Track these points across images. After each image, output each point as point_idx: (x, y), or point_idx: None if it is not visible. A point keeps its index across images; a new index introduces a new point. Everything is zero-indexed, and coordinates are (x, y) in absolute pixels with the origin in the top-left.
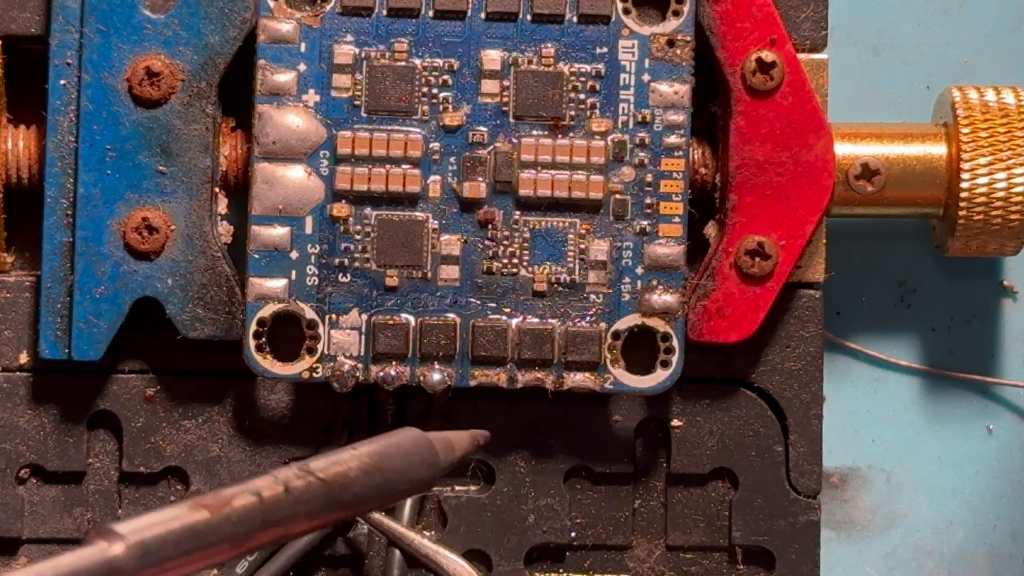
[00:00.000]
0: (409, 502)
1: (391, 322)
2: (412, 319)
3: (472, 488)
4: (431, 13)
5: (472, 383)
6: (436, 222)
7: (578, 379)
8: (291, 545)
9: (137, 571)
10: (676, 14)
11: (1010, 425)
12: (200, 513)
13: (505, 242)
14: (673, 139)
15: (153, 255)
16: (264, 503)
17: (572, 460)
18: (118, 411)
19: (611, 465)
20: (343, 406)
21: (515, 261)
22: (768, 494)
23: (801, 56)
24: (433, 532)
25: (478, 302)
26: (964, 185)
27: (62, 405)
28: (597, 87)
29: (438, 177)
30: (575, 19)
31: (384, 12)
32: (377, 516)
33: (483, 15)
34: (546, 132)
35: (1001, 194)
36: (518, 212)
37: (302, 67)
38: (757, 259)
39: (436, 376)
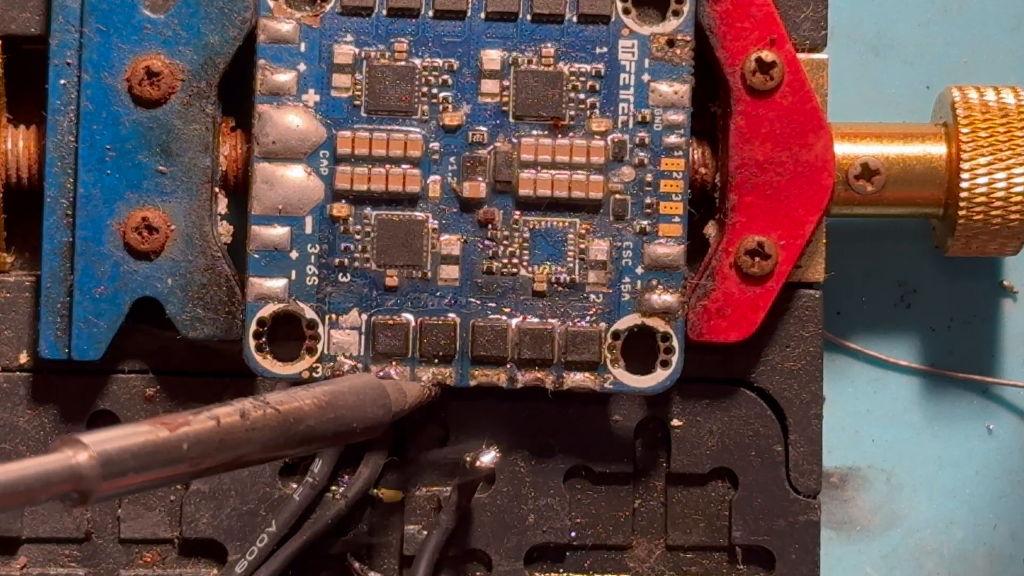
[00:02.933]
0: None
1: (391, 322)
2: (412, 319)
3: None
4: (431, 13)
5: (472, 383)
6: (436, 222)
7: (578, 379)
8: (291, 543)
9: (100, 479)
10: (676, 14)
11: (1010, 425)
12: (160, 431)
13: (505, 242)
14: (673, 139)
15: (153, 255)
16: (221, 427)
17: (572, 460)
18: (118, 411)
19: (611, 465)
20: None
21: (515, 261)
22: (768, 494)
23: (801, 56)
24: (433, 532)
25: (478, 302)
26: (964, 185)
27: (62, 405)
28: (597, 87)
29: (438, 177)
30: (575, 19)
31: (384, 12)
32: None
33: (483, 15)
34: (546, 132)
35: (1001, 194)
36: (518, 212)
37: (302, 67)
38: (757, 259)
39: (488, 457)
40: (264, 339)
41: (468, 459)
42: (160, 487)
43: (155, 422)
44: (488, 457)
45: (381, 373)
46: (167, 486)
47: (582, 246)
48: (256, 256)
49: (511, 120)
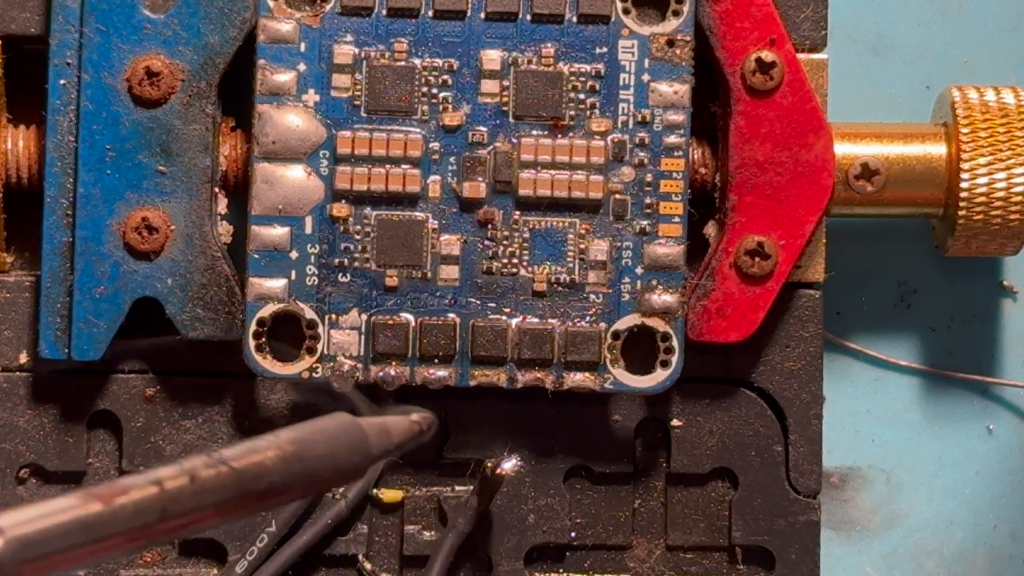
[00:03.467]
0: (439, 562)
1: (391, 322)
2: (412, 319)
3: (472, 488)
4: (431, 13)
5: (472, 383)
6: (436, 222)
7: (578, 379)
8: (291, 543)
9: (19, 566)
10: (676, 14)
11: (1010, 425)
12: (92, 505)
13: (505, 242)
14: (673, 139)
15: (153, 255)
16: (165, 494)
17: (572, 460)
18: (118, 411)
19: (611, 465)
20: (343, 406)
21: (515, 261)
22: (768, 494)
23: (801, 56)
24: (433, 532)
25: (478, 302)
26: (964, 185)
27: (62, 405)
28: (597, 87)
29: (438, 177)
30: (575, 19)
31: (384, 12)
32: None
33: (483, 15)
34: (546, 132)
35: (1001, 194)
36: (518, 212)
37: (302, 67)
38: (757, 259)
39: (509, 464)
40: (264, 339)
41: (489, 465)
42: (98, 562)
43: (87, 494)
44: (509, 464)
45: (381, 374)
46: (107, 558)
47: (582, 246)
48: (256, 256)
49: (511, 120)
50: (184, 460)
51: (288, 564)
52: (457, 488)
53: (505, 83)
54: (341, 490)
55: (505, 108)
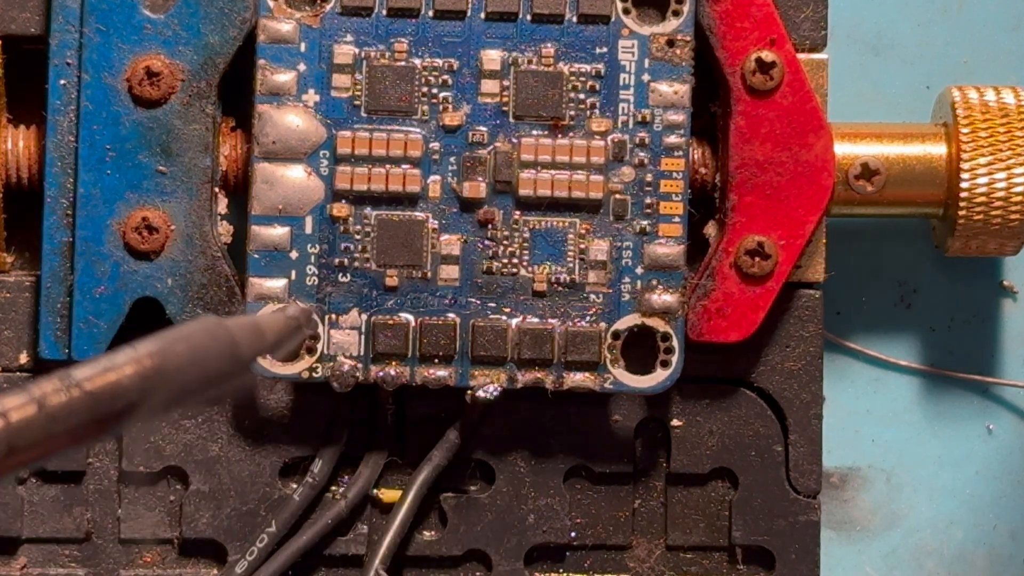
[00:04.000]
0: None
1: (391, 322)
2: (412, 319)
3: (472, 488)
4: (431, 13)
5: (472, 383)
6: (436, 222)
7: (578, 379)
8: (291, 544)
9: None
10: (676, 14)
11: (1010, 425)
12: None
13: (505, 242)
14: (673, 139)
15: (153, 255)
16: (10, 427)
17: (572, 460)
18: None
19: (611, 465)
20: (343, 406)
21: (515, 261)
22: (768, 494)
23: (801, 56)
24: (433, 532)
25: (478, 302)
26: (964, 185)
27: None
28: (597, 87)
29: (438, 177)
30: (575, 19)
31: (384, 12)
32: None
33: (483, 15)
34: (546, 132)
35: (1001, 194)
36: (518, 212)
37: (302, 67)
38: (757, 259)
39: (487, 390)
40: None
41: (468, 393)
42: None
43: None
44: (490, 389)
45: (381, 373)
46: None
47: (582, 246)
48: (256, 256)
49: (511, 120)
50: (33, 386)
51: (288, 564)
52: (457, 488)
53: (505, 83)
54: (341, 490)
55: (505, 108)
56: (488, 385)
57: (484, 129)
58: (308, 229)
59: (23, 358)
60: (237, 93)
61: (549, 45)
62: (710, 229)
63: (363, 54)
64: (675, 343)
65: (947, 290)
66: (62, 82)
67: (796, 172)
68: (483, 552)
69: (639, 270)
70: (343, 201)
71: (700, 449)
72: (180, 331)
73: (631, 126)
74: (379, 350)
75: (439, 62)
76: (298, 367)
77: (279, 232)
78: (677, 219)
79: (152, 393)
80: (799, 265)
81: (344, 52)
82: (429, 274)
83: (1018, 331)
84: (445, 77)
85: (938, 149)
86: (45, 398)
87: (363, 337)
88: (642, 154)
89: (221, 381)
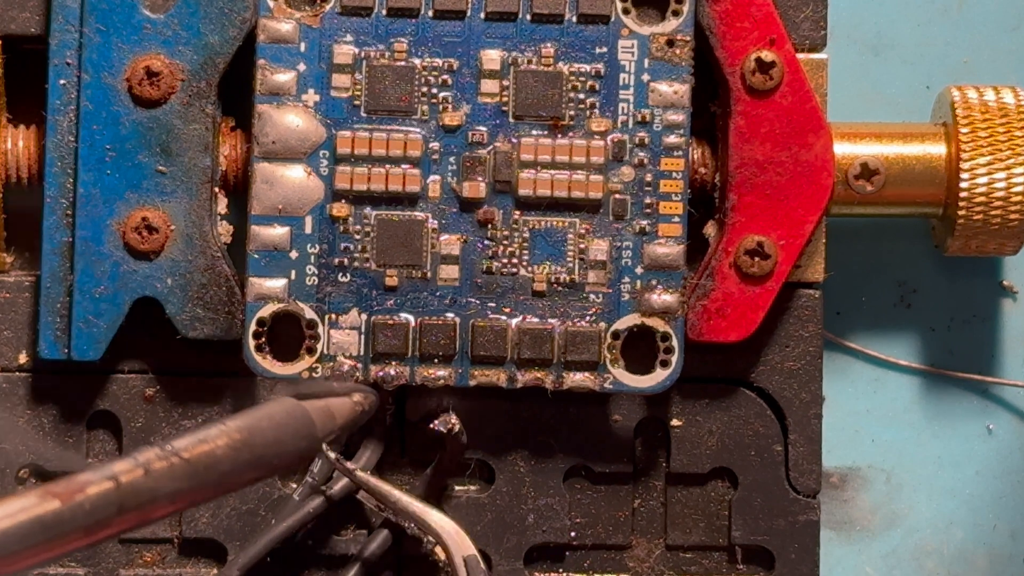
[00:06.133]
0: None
1: (391, 322)
2: (412, 319)
3: (472, 488)
4: (431, 13)
5: (472, 383)
6: (436, 222)
7: (578, 379)
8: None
9: None
10: (676, 14)
11: (1010, 425)
12: (50, 503)
13: (505, 242)
14: (673, 139)
15: (153, 255)
16: (121, 488)
17: (572, 460)
18: (118, 411)
19: (611, 465)
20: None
21: (515, 261)
22: (768, 494)
23: (801, 56)
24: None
25: (478, 302)
26: (964, 185)
27: (62, 405)
28: (597, 87)
29: (438, 177)
30: (575, 19)
31: (384, 12)
32: (363, 474)
33: (483, 15)
34: (546, 132)
35: (1001, 194)
36: (518, 212)
37: (302, 67)
38: (757, 259)
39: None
40: (264, 339)
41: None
42: (57, 560)
43: (45, 492)
44: (439, 421)
45: (381, 374)
46: (66, 556)
47: (582, 246)
48: (256, 256)
49: (511, 120)
50: (137, 453)
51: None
52: (457, 488)
53: (505, 83)
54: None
55: (505, 108)
56: (447, 418)
57: (484, 129)
58: (308, 229)
59: (23, 358)
60: (237, 93)
61: (549, 45)
62: (710, 229)
63: (363, 54)
64: (675, 343)
65: (947, 290)
66: (62, 82)
67: (796, 172)
68: (483, 552)
69: (639, 270)
70: (343, 201)
71: (700, 449)
72: (264, 409)
73: (631, 126)
74: (379, 350)
75: (439, 62)
76: (298, 367)
77: (279, 232)
78: (677, 219)
79: (240, 465)
80: (799, 265)
81: (344, 52)
82: (429, 274)
83: (1018, 331)
84: (445, 77)
85: (938, 149)
86: (150, 463)
87: (363, 337)
88: (642, 154)
89: (298, 457)
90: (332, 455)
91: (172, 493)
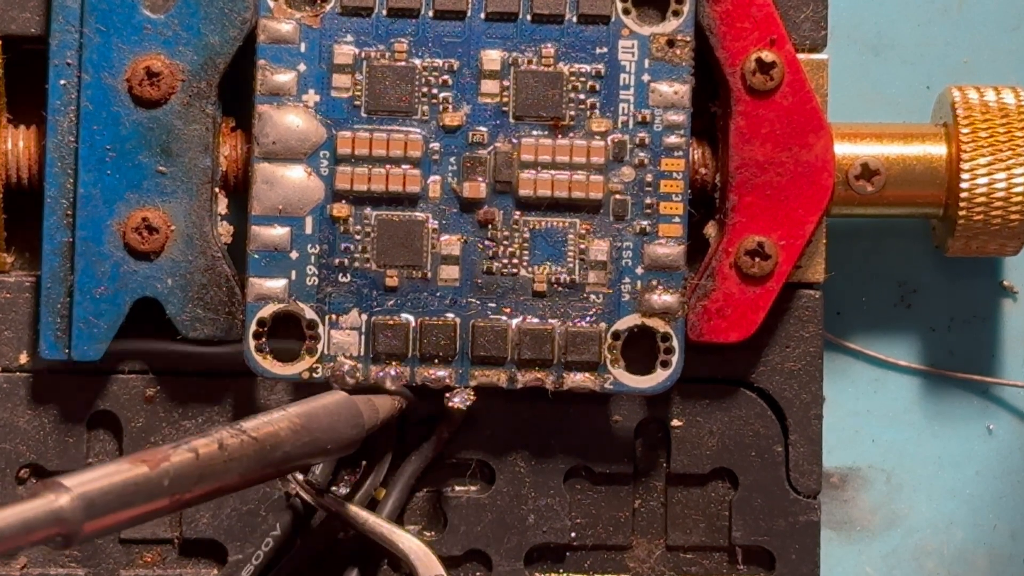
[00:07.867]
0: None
1: (391, 322)
2: (412, 319)
3: (472, 488)
4: (431, 13)
5: (472, 383)
6: (436, 222)
7: (578, 379)
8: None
9: (82, 521)
10: (676, 14)
11: (1010, 425)
12: (140, 468)
13: (505, 242)
14: (673, 139)
15: (153, 255)
16: (200, 459)
17: (572, 460)
18: (118, 411)
19: (611, 465)
20: None
21: (515, 261)
22: (768, 494)
23: (801, 56)
24: (433, 532)
25: (478, 302)
26: (964, 185)
27: (62, 405)
28: (597, 87)
29: (438, 177)
30: (575, 19)
31: (384, 12)
32: (331, 498)
33: (483, 15)
34: (546, 132)
35: (1001, 194)
36: (518, 212)
37: (302, 67)
38: (757, 259)
39: (458, 398)
40: (264, 339)
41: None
42: (142, 522)
43: (135, 459)
44: (458, 398)
45: (381, 374)
46: (149, 520)
47: (582, 246)
48: (256, 256)
49: (511, 120)
50: (211, 431)
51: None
52: (457, 488)
53: (505, 83)
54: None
55: (505, 108)
56: (462, 392)
57: (484, 129)
58: (308, 229)
59: (23, 358)
60: (237, 93)
61: (549, 45)
62: (710, 229)
63: (363, 54)
64: (675, 343)
65: (947, 290)
66: (62, 82)
67: (796, 172)
68: (483, 552)
69: (639, 270)
70: (343, 201)
71: (700, 449)
72: (320, 400)
73: (631, 126)
74: (379, 350)
75: (439, 62)
76: (298, 367)
77: (279, 232)
78: (677, 219)
79: (300, 447)
80: (799, 265)
81: (344, 52)
82: (429, 274)
83: (1018, 331)
84: (445, 77)
85: (938, 149)
86: (223, 440)
87: (363, 337)
88: (642, 154)
89: (348, 442)
90: (300, 477)
91: (243, 468)
